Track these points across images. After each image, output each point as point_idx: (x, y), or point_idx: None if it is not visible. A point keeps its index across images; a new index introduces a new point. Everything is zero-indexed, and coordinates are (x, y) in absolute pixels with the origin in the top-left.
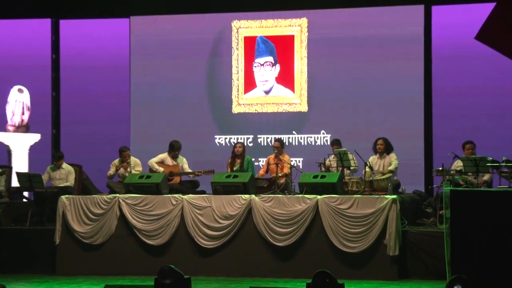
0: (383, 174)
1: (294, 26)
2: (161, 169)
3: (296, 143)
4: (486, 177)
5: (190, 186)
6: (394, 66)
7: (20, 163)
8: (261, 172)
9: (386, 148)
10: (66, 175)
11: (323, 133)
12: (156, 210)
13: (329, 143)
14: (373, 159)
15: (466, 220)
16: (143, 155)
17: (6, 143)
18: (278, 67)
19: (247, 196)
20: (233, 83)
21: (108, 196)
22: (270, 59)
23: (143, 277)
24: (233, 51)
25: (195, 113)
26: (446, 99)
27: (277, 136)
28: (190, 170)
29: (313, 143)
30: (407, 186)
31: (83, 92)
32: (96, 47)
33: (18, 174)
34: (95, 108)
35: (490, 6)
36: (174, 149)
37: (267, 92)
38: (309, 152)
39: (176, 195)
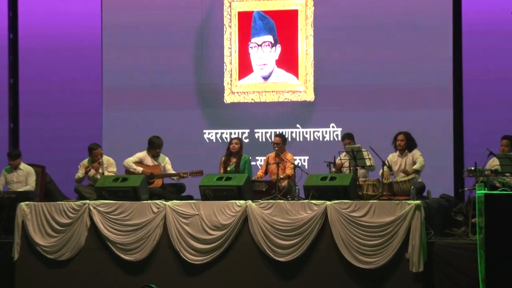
0: (405, 174)
1: None
2: (140, 169)
3: (301, 139)
4: None
5: (174, 191)
6: (418, 46)
7: None
8: (260, 173)
9: (407, 145)
10: (25, 177)
11: (333, 127)
12: (133, 219)
13: (339, 138)
14: (392, 157)
15: (504, 229)
16: (117, 154)
17: None
18: (278, 48)
19: (242, 202)
20: (225, 67)
21: (76, 202)
22: (269, 38)
23: None
24: (225, 29)
25: (179, 103)
26: (479, 85)
27: (278, 131)
28: (174, 171)
29: (320, 139)
30: (433, 189)
31: (46, 79)
32: (62, 26)
33: None
34: (60, 98)
35: None
36: (154, 147)
37: (265, 78)
38: (316, 149)
39: (157, 201)
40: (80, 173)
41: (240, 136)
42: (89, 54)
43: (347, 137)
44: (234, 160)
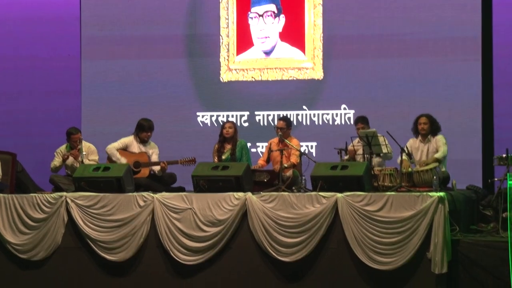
0: (427, 163)
1: None
2: (124, 160)
3: (308, 122)
4: None
5: (164, 181)
6: (442, 17)
7: None
8: (261, 162)
9: (431, 129)
10: None
11: (345, 109)
12: (117, 213)
13: (352, 121)
14: (413, 142)
15: None
16: (99, 139)
17: None
18: (282, 18)
19: (241, 194)
20: (221, 40)
21: (52, 195)
22: (272, 7)
23: None
24: None
25: (169, 81)
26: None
27: (282, 113)
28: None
29: (330, 122)
30: (459, 180)
31: (16, 54)
32: None
33: None
34: (32, 75)
35: None
36: (145, 129)
37: (267, 53)
38: (325, 135)
39: (144, 194)
40: (57, 161)
41: (238, 119)
42: (65, 24)
43: (361, 121)
44: (228, 146)
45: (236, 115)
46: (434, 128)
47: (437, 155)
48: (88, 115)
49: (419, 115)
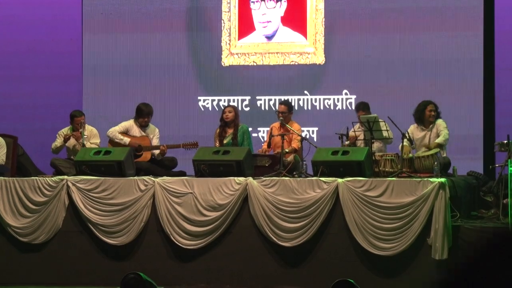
0: (428, 149)
1: None
2: (127, 140)
3: (309, 107)
4: None
5: (164, 165)
6: (447, 14)
7: None
8: (264, 146)
9: (436, 116)
10: None
11: (346, 94)
12: (118, 197)
13: (353, 107)
14: (414, 128)
15: None
16: (100, 123)
17: None
18: (284, 3)
19: (242, 179)
20: (223, 24)
21: (53, 178)
22: None
23: None
24: None
25: (170, 66)
26: None
27: (283, 98)
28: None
29: (332, 107)
30: (459, 166)
31: (16, 36)
32: None
33: None
34: (33, 58)
35: None
36: (143, 115)
37: (269, 38)
38: (326, 120)
39: (145, 178)
40: (58, 142)
41: (239, 104)
42: (67, 8)
43: (362, 107)
44: (230, 131)
45: (238, 100)
46: (438, 114)
47: (438, 140)
48: (89, 99)
49: (426, 102)
